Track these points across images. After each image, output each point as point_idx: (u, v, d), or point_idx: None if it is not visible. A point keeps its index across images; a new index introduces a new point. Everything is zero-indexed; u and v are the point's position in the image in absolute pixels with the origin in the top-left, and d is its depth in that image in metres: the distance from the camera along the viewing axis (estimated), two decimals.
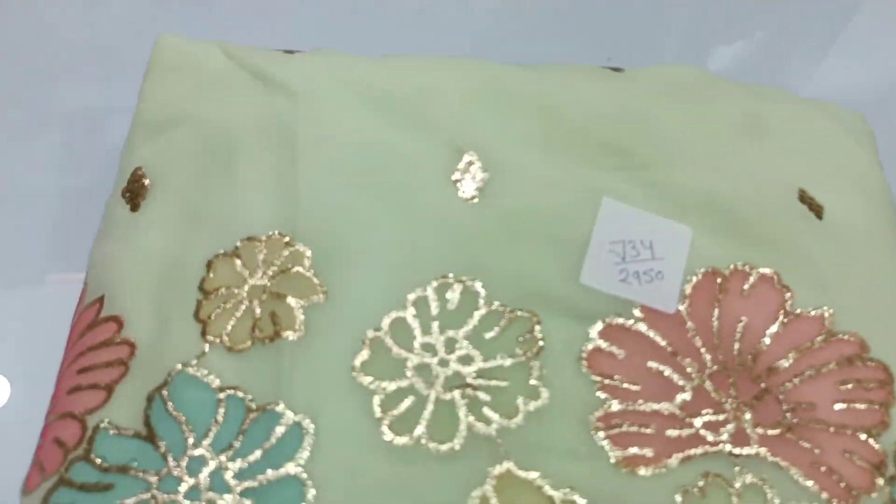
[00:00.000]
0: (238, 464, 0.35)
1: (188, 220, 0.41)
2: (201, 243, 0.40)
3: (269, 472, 0.35)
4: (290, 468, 0.35)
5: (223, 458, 0.35)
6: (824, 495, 0.36)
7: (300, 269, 0.40)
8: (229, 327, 0.38)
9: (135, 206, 0.42)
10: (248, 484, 0.35)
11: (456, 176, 0.43)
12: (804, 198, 0.44)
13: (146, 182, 0.42)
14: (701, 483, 0.36)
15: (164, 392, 0.36)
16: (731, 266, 0.41)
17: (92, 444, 0.35)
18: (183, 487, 0.34)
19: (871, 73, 0.64)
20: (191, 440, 0.35)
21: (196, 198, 0.42)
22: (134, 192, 0.42)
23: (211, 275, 0.39)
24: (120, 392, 0.36)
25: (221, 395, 0.36)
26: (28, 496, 0.35)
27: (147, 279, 0.39)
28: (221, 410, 0.36)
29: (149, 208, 0.42)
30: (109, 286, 0.39)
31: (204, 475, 0.35)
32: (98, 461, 0.35)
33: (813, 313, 0.40)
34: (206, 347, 0.38)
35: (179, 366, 0.37)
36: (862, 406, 0.38)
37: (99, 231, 0.43)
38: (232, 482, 0.35)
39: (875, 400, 0.38)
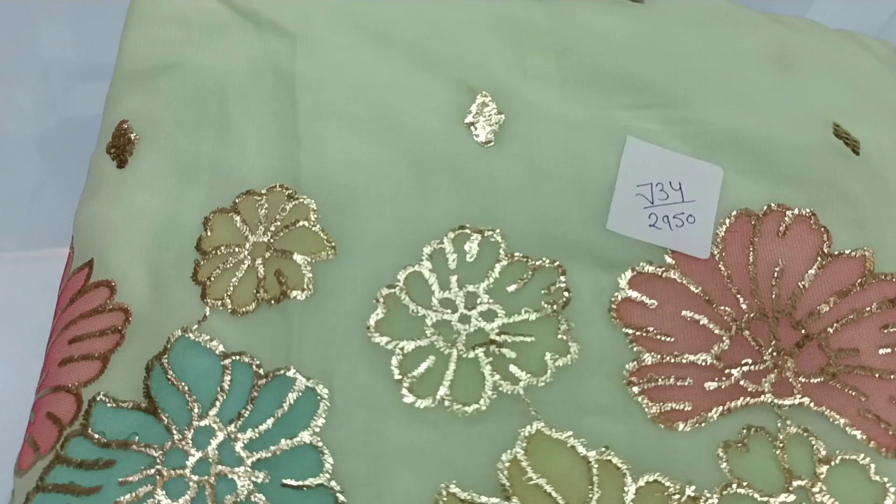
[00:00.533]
0: (249, 434, 0.33)
1: (180, 175, 0.39)
2: (196, 200, 0.38)
3: (283, 441, 0.33)
4: (305, 436, 0.33)
5: (232, 428, 0.33)
6: (872, 444, 0.34)
7: (305, 223, 0.37)
8: (231, 289, 0.36)
9: (122, 163, 0.39)
10: (260, 455, 0.32)
11: (469, 119, 0.40)
12: (839, 132, 0.42)
13: (133, 136, 0.39)
14: (743, 436, 0.34)
15: (164, 360, 0.34)
16: (766, 207, 0.39)
17: (89, 419, 0.33)
18: (190, 461, 0.32)
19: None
20: (196, 411, 0.33)
21: (188, 151, 0.39)
22: (120, 148, 0.39)
23: (208, 233, 0.37)
24: (116, 362, 0.34)
25: (226, 362, 0.34)
26: (22, 476, 0.33)
27: (139, 240, 0.37)
28: (227, 378, 0.34)
29: (137, 164, 0.39)
30: (99, 249, 0.37)
31: (212, 447, 0.32)
32: (96, 436, 0.33)
33: (853, 254, 0.38)
34: (207, 311, 0.35)
35: (179, 332, 0.35)
36: None
37: (84, 191, 0.40)
38: (243, 454, 0.32)
39: None
